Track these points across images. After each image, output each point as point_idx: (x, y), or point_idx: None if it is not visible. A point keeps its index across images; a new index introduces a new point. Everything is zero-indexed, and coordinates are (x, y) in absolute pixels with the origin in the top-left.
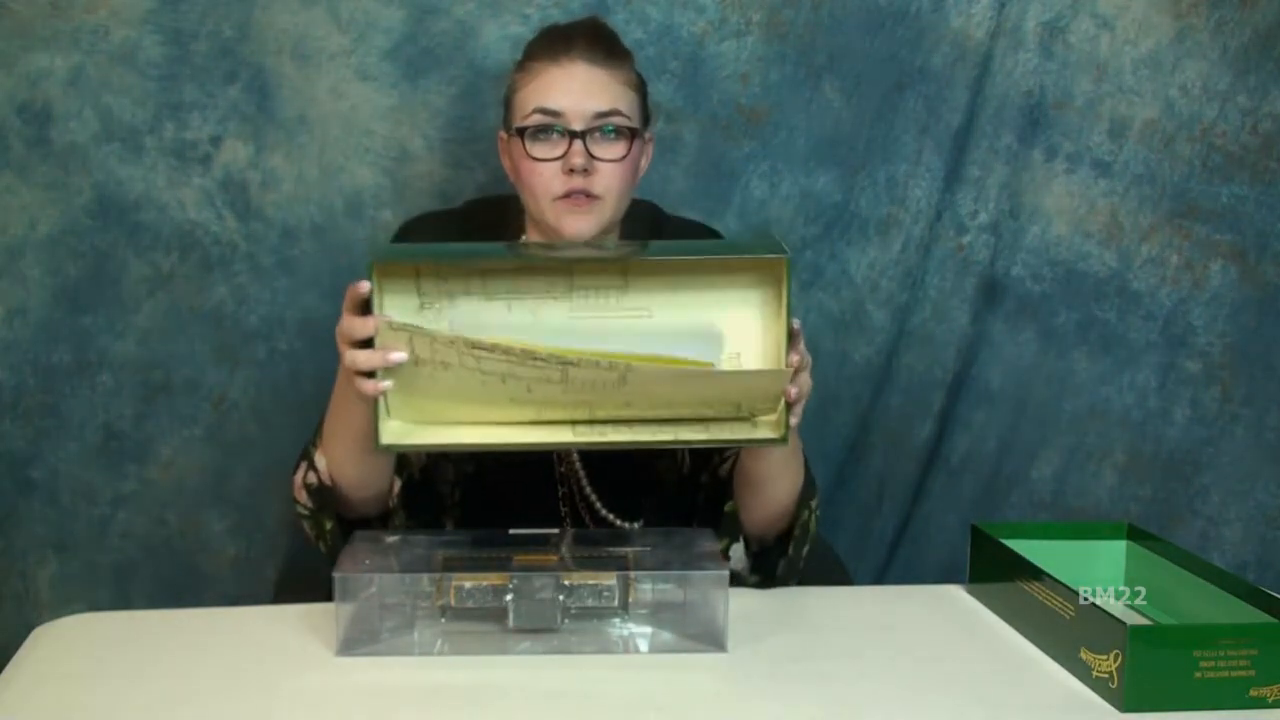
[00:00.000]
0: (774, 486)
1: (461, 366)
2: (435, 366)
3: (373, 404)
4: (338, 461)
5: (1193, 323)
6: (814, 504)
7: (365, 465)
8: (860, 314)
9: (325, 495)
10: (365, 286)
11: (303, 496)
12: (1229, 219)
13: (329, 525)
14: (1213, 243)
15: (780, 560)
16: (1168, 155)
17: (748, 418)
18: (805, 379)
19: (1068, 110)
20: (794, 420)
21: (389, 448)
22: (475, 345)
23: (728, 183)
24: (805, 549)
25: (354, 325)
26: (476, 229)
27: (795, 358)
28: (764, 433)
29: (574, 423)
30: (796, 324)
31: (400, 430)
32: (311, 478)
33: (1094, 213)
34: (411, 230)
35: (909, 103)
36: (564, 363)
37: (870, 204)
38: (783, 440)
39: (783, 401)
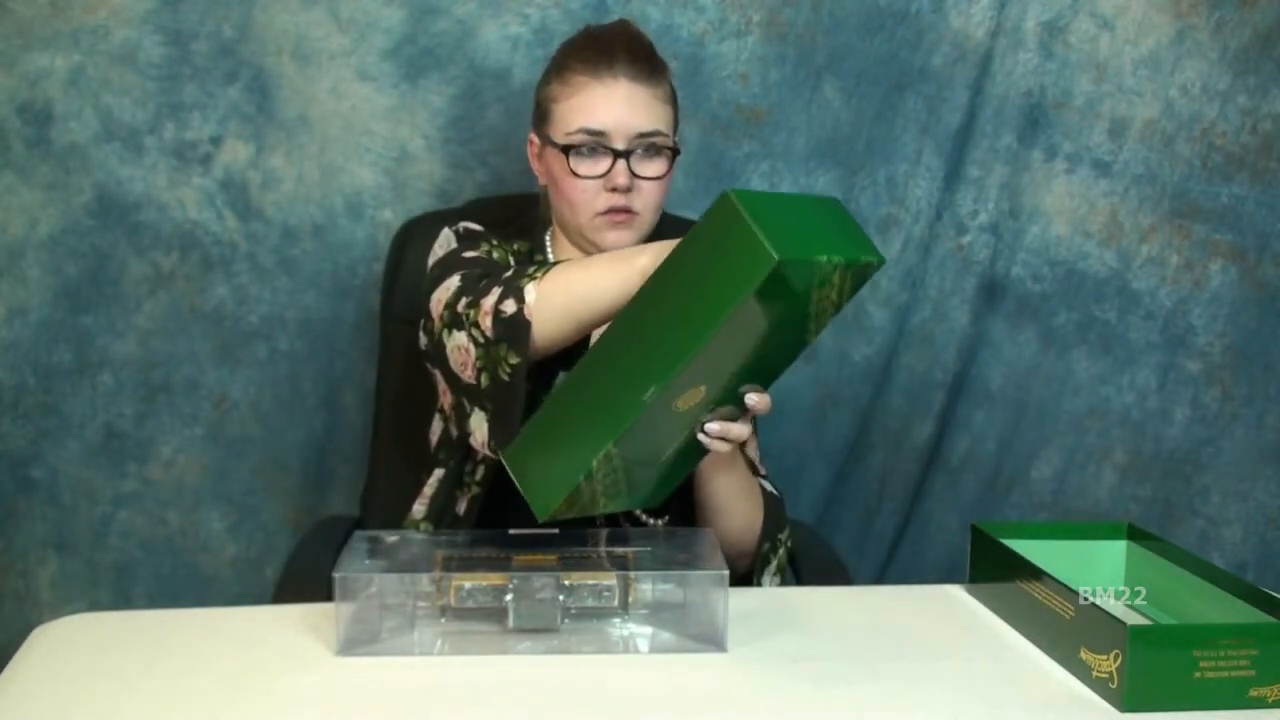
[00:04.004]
0: (726, 518)
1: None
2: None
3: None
4: (552, 319)
5: (1193, 323)
6: (783, 536)
7: (568, 336)
8: (860, 314)
9: (518, 328)
10: None
11: (487, 323)
12: (1229, 219)
13: (514, 361)
14: (1213, 243)
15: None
16: (1168, 155)
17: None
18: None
19: (1068, 110)
20: (753, 452)
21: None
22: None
23: (728, 183)
24: (774, 579)
25: None
26: None
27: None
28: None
29: None
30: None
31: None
32: (509, 306)
33: (1094, 213)
34: (412, 231)
35: (909, 103)
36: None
37: (870, 204)
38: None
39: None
